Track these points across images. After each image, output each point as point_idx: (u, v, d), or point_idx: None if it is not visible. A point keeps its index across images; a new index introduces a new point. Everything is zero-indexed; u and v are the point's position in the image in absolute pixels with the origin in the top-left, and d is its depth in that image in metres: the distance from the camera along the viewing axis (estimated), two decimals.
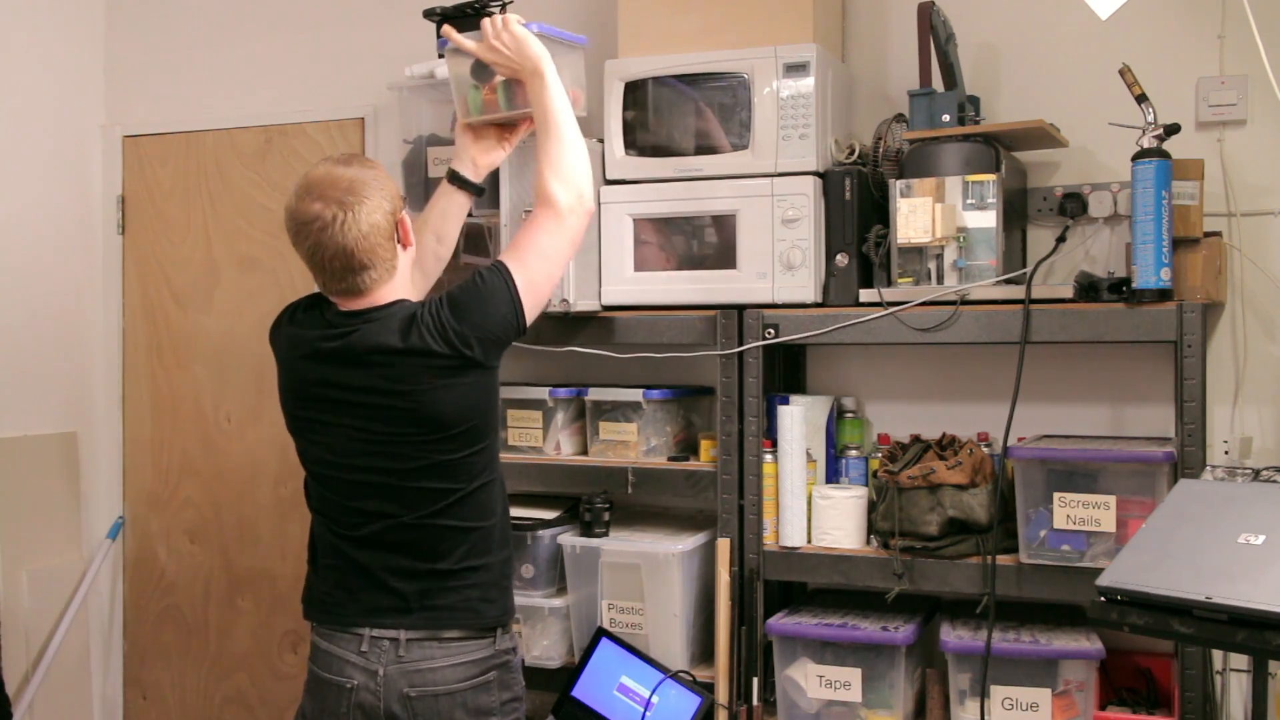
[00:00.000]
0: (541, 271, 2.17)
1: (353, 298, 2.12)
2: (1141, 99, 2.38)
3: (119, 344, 3.83)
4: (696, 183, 2.69)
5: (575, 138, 2.25)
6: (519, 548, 2.79)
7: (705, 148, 2.69)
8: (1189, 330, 2.32)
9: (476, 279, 2.12)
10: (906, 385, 2.90)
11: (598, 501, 2.75)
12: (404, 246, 2.16)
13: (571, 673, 2.71)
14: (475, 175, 2.46)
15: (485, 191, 2.52)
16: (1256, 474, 2.14)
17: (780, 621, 2.59)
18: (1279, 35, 2.48)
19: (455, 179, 2.45)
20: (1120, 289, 2.39)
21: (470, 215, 2.86)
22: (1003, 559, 2.44)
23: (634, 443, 2.78)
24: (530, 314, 2.15)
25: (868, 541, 2.61)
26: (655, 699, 2.59)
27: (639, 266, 2.74)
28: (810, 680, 2.54)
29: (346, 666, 2.12)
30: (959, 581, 2.47)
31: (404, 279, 2.17)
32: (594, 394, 2.82)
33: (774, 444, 2.64)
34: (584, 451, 2.87)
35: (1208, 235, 2.49)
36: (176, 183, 3.76)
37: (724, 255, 2.67)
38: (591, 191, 2.25)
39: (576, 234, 2.22)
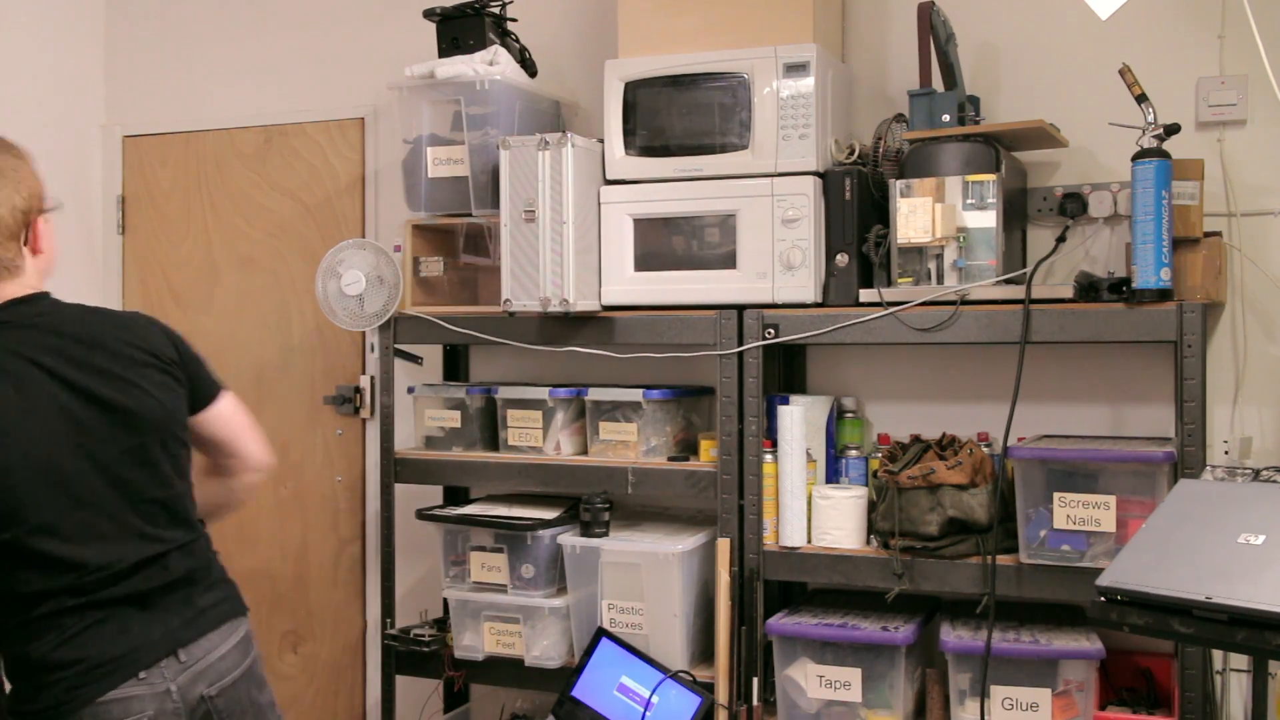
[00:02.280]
0: (244, 420, 2.08)
1: None
2: (1141, 99, 2.38)
3: None
4: (696, 183, 2.69)
5: None
6: (519, 547, 2.79)
7: (705, 148, 2.69)
8: (1189, 330, 2.32)
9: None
10: (906, 385, 2.90)
11: (598, 501, 2.75)
12: (33, 252, 1.90)
13: (571, 673, 2.71)
14: None
15: None
16: (1256, 474, 2.14)
17: (780, 621, 2.59)
18: (1279, 35, 2.48)
19: None
20: (1120, 289, 2.39)
21: (470, 215, 2.87)
22: (1003, 559, 2.44)
23: (634, 443, 2.78)
24: (217, 416, 2.03)
25: (868, 541, 2.61)
26: (655, 699, 2.59)
27: (639, 266, 2.74)
28: (810, 680, 2.54)
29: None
30: (959, 581, 2.47)
31: (40, 282, 1.92)
32: (594, 394, 2.82)
33: (774, 444, 2.64)
34: (584, 451, 2.87)
35: (1208, 235, 2.49)
36: (176, 183, 3.76)
37: (724, 255, 2.67)
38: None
39: (257, 462, 2.11)
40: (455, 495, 3.18)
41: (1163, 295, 2.34)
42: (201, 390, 2.02)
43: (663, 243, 2.74)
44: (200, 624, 1.92)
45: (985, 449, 2.59)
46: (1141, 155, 2.35)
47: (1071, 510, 2.36)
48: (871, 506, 2.61)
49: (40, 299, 1.89)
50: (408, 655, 2.94)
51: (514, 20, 3.03)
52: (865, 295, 2.57)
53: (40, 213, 1.91)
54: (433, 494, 3.16)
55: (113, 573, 1.85)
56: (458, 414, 2.95)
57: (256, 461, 2.13)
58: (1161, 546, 1.86)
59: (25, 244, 1.89)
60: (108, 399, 1.85)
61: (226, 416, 2.06)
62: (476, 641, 2.84)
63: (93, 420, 1.84)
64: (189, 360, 2.00)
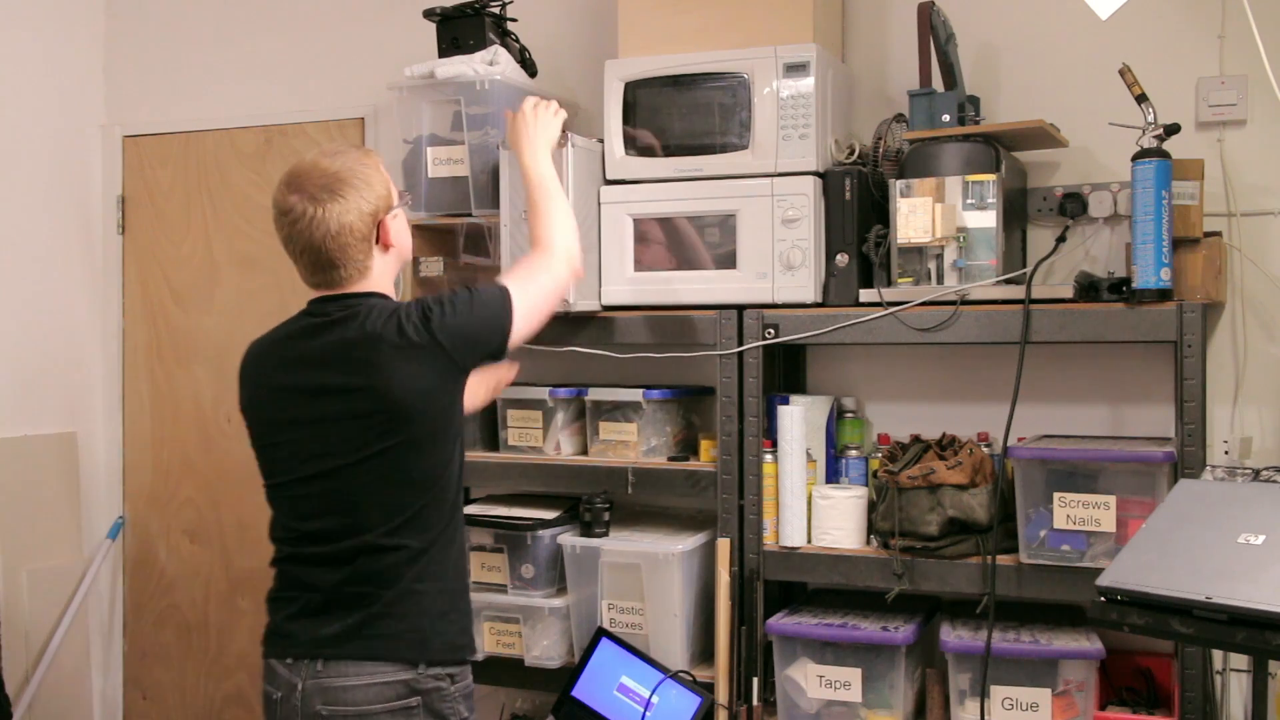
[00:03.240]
0: (537, 302, 2.18)
1: (325, 290, 2.11)
2: (1141, 99, 2.38)
3: (119, 344, 3.83)
4: (696, 183, 2.69)
5: (568, 206, 2.39)
6: (519, 547, 2.79)
7: (705, 147, 2.69)
8: (1189, 330, 2.32)
9: (474, 290, 2.09)
10: (906, 385, 2.90)
11: (598, 501, 2.75)
12: (384, 249, 2.10)
13: (571, 673, 2.71)
14: None
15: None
16: (1256, 474, 2.14)
17: (780, 621, 2.59)
18: (1279, 35, 2.48)
19: None
20: (1120, 289, 2.39)
21: (470, 215, 2.87)
22: (1003, 559, 2.44)
23: (634, 443, 2.78)
24: (521, 333, 2.14)
25: (868, 541, 2.61)
26: (655, 699, 2.59)
27: (639, 266, 2.74)
28: (810, 680, 2.54)
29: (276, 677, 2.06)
30: (959, 581, 2.47)
31: (382, 278, 2.12)
32: (594, 394, 2.82)
33: (774, 444, 2.64)
34: (584, 451, 2.87)
35: (1208, 235, 2.49)
36: (176, 183, 3.76)
37: (724, 255, 2.67)
38: (579, 254, 2.34)
39: (563, 285, 2.28)
40: None
41: (1163, 295, 2.34)
42: (477, 352, 2.08)
43: (663, 243, 2.74)
44: (347, 648, 1.99)
45: (985, 449, 2.59)
46: (1141, 155, 2.35)
47: (1071, 510, 2.36)
48: (871, 506, 2.61)
49: (347, 299, 2.07)
50: None
51: (514, 20, 3.03)
52: (865, 295, 2.57)
53: (388, 211, 2.09)
54: None
55: (302, 534, 2.06)
56: None
57: (566, 292, 2.39)
58: (1161, 546, 1.86)
59: (377, 242, 2.08)
60: (318, 412, 2.03)
61: (523, 319, 2.14)
62: (476, 641, 2.84)
63: (312, 422, 2.04)
64: (442, 330, 2.01)
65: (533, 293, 2.16)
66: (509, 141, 2.52)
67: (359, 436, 2.00)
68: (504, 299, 2.10)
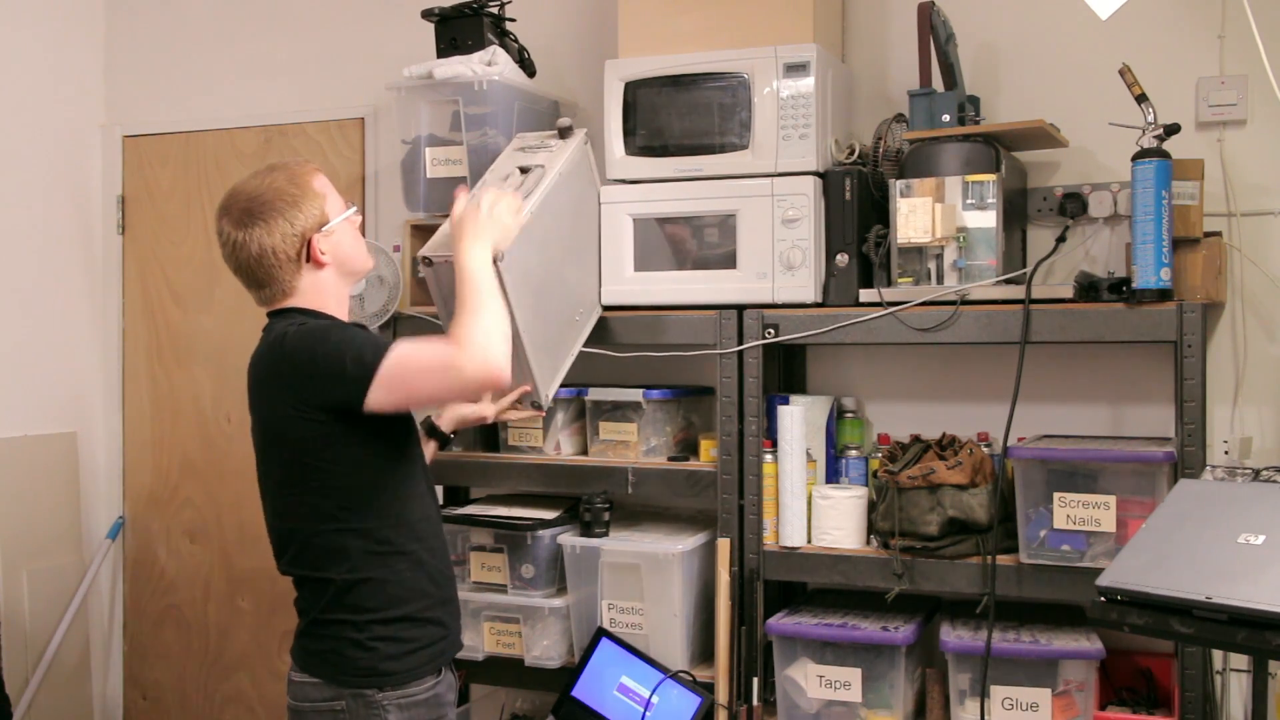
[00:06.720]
0: (416, 379, 2.00)
1: (265, 305, 2.18)
2: (1141, 99, 2.38)
3: (119, 344, 3.83)
4: (696, 183, 2.69)
5: (501, 310, 2.10)
6: (519, 547, 2.79)
7: (705, 147, 2.69)
8: (1189, 330, 2.32)
9: (357, 337, 2.03)
10: (906, 385, 2.90)
11: (598, 501, 2.75)
12: (316, 266, 2.11)
13: (571, 673, 2.71)
14: (446, 426, 2.56)
15: (450, 442, 2.62)
16: (1256, 474, 2.14)
17: (780, 621, 2.59)
18: (1279, 35, 2.48)
19: (426, 425, 2.54)
20: (1120, 289, 2.39)
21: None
22: (1003, 559, 2.44)
23: (634, 443, 2.78)
24: (379, 400, 1.98)
25: (868, 541, 2.61)
26: (655, 699, 2.59)
27: (639, 266, 2.74)
28: (810, 680, 2.54)
29: None
30: (959, 581, 2.47)
31: (315, 294, 2.12)
32: (594, 394, 2.82)
33: (774, 444, 2.64)
34: (584, 451, 2.87)
35: (1208, 235, 2.49)
36: (176, 183, 3.76)
37: (724, 255, 2.67)
38: (503, 364, 2.03)
39: (465, 385, 2.02)
40: (455, 495, 3.18)
41: (1163, 295, 2.34)
42: (322, 394, 2.01)
43: (663, 243, 2.74)
44: (295, 653, 2.16)
45: (985, 449, 2.59)
46: (1141, 155, 2.35)
47: (1071, 510, 2.36)
48: (871, 506, 2.61)
49: (274, 317, 2.14)
50: None
51: (513, 20, 3.03)
52: (865, 295, 2.57)
53: (319, 228, 2.10)
54: None
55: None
56: None
57: (470, 395, 2.29)
58: (1161, 546, 1.86)
59: (307, 260, 2.10)
60: (253, 425, 2.15)
61: (391, 384, 1.98)
62: (476, 641, 2.84)
63: (255, 439, 2.16)
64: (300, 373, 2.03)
65: (416, 368, 1.99)
66: (452, 225, 2.24)
67: (259, 457, 2.15)
68: (375, 355, 1.97)
